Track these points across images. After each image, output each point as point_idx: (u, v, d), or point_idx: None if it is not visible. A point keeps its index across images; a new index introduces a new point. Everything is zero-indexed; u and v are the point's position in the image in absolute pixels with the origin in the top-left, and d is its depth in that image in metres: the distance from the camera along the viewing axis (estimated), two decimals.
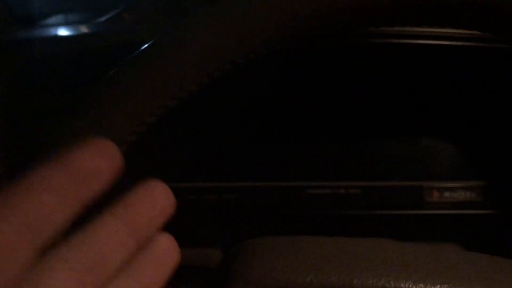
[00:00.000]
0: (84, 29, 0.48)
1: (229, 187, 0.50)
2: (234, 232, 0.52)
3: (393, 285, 0.23)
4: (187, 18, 0.24)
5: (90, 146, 0.18)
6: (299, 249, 0.25)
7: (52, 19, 0.56)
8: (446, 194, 0.51)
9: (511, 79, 0.49)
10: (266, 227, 0.52)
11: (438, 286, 0.23)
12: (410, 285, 0.23)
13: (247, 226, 0.52)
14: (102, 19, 0.48)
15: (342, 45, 0.46)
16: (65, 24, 0.53)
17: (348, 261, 0.24)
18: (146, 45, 0.24)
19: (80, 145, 0.18)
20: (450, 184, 0.51)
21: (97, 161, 0.18)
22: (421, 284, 0.23)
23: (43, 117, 0.40)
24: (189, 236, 0.52)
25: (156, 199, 0.20)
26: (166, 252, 0.21)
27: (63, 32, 0.48)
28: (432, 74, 0.50)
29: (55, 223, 0.17)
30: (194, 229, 0.51)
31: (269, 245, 0.26)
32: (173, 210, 0.21)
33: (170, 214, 0.21)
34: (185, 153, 0.50)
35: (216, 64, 0.23)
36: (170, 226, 0.22)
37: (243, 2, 0.24)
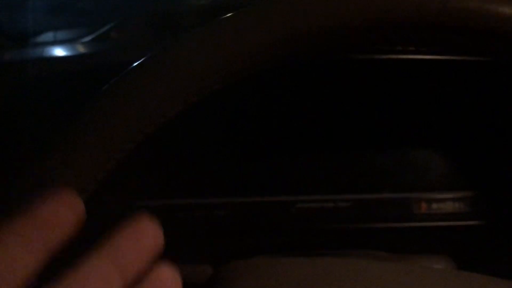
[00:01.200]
0: (76, 49, 0.48)
1: (218, 203, 0.51)
2: (225, 248, 0.52)
3: None
4: (167, 43, 0.24)
5: (53, 197, 0.19)
6: (284, 270, 0.25)
7: (41, 38, 0.56)
8: (435, 205, 0.51)
9: (499, 92, 0.49)
10: (256, 243, 0.52)
11: None
12: None
13: (237, 242, 0.52)
14: (88, 38, 0.48)
15: (330, 60, 0.46)
16: (54, 43, 0.53)
17: (332, 282, 0.24)
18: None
19: (44, 196, 0.19)
20: (438, 196, 0.51)
21: (60, 211, 0.19)
22: None
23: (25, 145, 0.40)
24: (178, 253, 0.52)
25: (142, 234, 0.21)
26: (165, 284, 0.21)
27: (56, 51, 0.48)
28: (420, 87, 0.50)
29: (23, 272, 0.18)
30: (183, 245, 0.51)
31: (254, 267, 0.26)
32: (163, 241, 0.21)
33: (161, 245, 0.21)
34: (173, 170, 0.50)
35: (192, 89, 0.23)
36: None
37: (228, 27, 0.24)
